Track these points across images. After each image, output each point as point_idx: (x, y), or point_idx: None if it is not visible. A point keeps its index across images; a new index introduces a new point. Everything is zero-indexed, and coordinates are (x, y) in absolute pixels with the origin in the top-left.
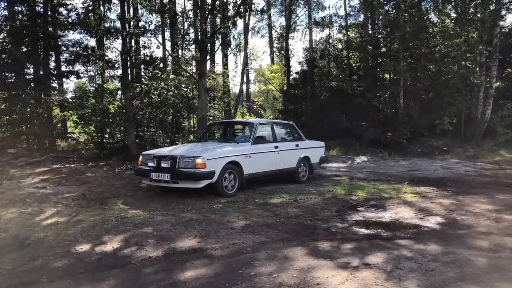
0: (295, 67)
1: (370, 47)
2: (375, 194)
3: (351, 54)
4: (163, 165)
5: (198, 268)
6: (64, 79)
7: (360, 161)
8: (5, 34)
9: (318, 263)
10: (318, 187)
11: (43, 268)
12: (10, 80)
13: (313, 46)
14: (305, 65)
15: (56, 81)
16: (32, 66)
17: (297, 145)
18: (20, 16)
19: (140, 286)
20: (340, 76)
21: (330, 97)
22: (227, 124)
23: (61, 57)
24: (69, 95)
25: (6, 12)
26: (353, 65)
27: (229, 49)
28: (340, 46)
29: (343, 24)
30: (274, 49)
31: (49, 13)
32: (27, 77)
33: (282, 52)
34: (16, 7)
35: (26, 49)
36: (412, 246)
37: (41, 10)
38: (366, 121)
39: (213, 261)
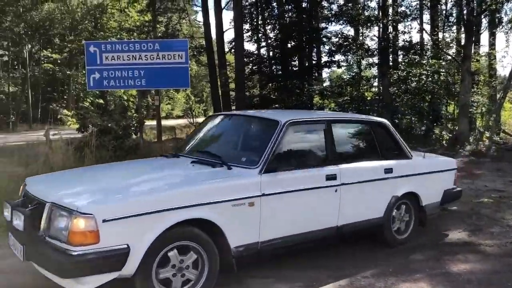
0: None
1: None
2: None
3: None
4: (15, 221)
5: (471, 262)
6: (325, 69)
7: None
8: (277, 31)
9: None
10: None
11: None
12: (279, 72)
13: None
14: None
15: (316, 71)
16: (297, 58)
17: (388, 170)
18: (289, 14)
19: (412, 271)
20: None
21: None
22: (234, 121)
23: (321, 48)
24: (325, 84)
25: (276, 12)
26: None
27: (500, 26)
28: None
29: None
30: None
31: (313, 7)
32: (294, 68)
33: None
34: (286, 6)
35: (293, 43)
36: None
37: (307, 5)
38: None
39: (488, 257)
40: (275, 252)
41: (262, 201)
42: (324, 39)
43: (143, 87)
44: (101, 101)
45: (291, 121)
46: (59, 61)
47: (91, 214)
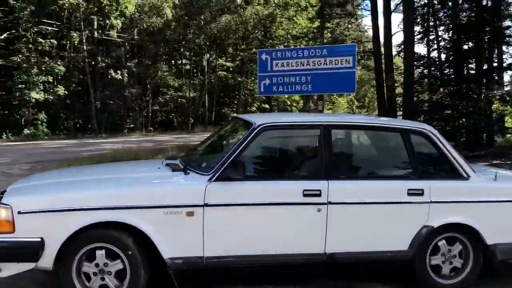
0: None
1: None
2: None
3: None
4: None
5: None
6: (509, 72)
7: None
8: (451, 33)
9: None
10: None
11: None
12: (451, 76)
13: None
14: None
15: (497, 74)
16: (474, 60)
17: (415, 192)
18: (467, 13)
19: None
20: None
21: None
22: (232, 125)
23: (504, 48)
24: (506, 88)
25: (451, 11)
26: None
27: None
28: None
29: None
30: None
31: (495, 4)
32: (470, 72)
33: None
34: (463, 5)
35: (470, 44)
36: None
37: (488, 2)
38: None
39: None
40: (236, 270)
41: (206, 212)
42: (510, 39)
43: (309, 92)
44: (266, 106)
45: (268, 124)
46: (231, 69)
47: (8, 205)
